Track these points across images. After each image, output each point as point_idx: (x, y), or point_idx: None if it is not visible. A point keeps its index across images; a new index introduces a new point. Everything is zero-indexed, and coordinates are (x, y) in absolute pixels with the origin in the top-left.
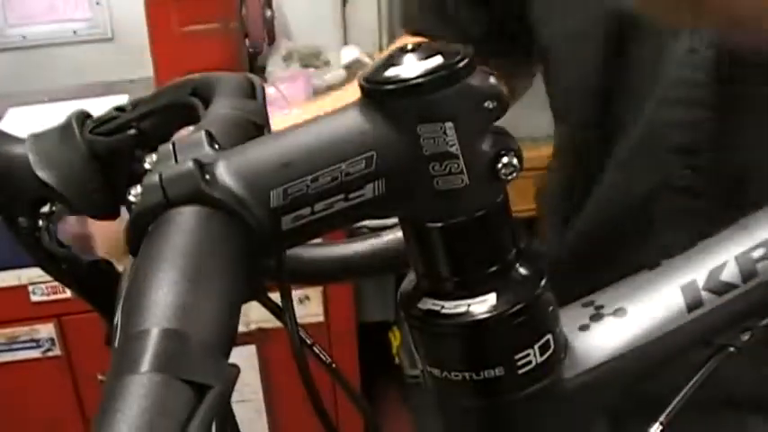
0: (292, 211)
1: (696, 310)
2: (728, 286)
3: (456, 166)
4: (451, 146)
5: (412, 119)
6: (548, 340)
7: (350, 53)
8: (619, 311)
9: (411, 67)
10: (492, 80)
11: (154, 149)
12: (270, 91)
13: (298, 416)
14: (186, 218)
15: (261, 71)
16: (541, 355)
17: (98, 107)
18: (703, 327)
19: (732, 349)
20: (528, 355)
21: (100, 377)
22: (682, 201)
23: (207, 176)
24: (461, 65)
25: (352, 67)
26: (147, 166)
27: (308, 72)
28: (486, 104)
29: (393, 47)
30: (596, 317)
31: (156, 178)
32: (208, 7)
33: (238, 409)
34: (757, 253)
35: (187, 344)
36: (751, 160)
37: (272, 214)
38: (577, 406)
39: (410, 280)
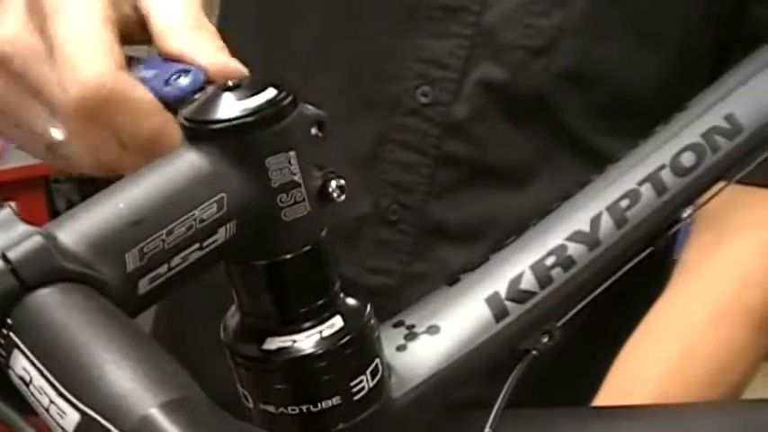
0: (150, 271)
1: (503, 320)
2: (528, 294)
3: (300, 194)
4: (295, 174)
5: (261, 152)
6: (377, 364)
7: None
8: (432, 329)
9: (246, 102)
10: (312, 107)
11: None
12: None
13: None
14: (61, 297)
15: None
16: (372, 379)
17: None
18: (511, 334)
19: (534, 353)
20: (362, 381)
21: None
22: (386, 233)
23: (54, 250)
24: (294, 94)
25: None
26: None
27: None
28: (312, 131)
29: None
30: (411, 336)
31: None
32: None
33: None
34: (549, 260)
35: (196, 408)
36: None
37: (129, 280)
38: (407, 424)
39: (233, 320)
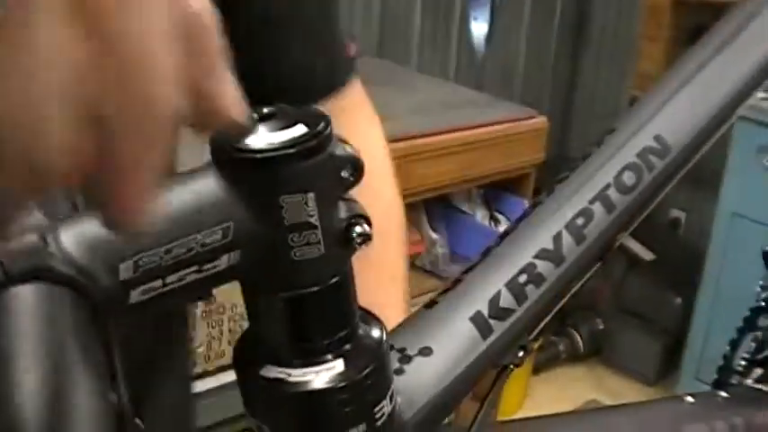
0: (142, 283)
1: (489, 337)
2: (508, 311)
3: (314, 236)
4: (311, 216)
5: (275, 190)
6: (393, 389)
7: None
8: (424, 350)
9: (273, 136)
10: (349, 149)
11: None
12: None
13: None
14: (28, 299)
15: None
16: (390, 403)
17: None
18: (497, 350)
19: (512, 367)
20: (383, 406)
21: None
22: None
23: (50, 249)
24: (326, 134)
25: None
26: None
27: None
28: (343, 173)
29: None
30: (404, 359)
31: None
32: None
33: None
34: (522, 278)
35: None
36: None
37: (120, 288)
38: None
39: (255, 353)
